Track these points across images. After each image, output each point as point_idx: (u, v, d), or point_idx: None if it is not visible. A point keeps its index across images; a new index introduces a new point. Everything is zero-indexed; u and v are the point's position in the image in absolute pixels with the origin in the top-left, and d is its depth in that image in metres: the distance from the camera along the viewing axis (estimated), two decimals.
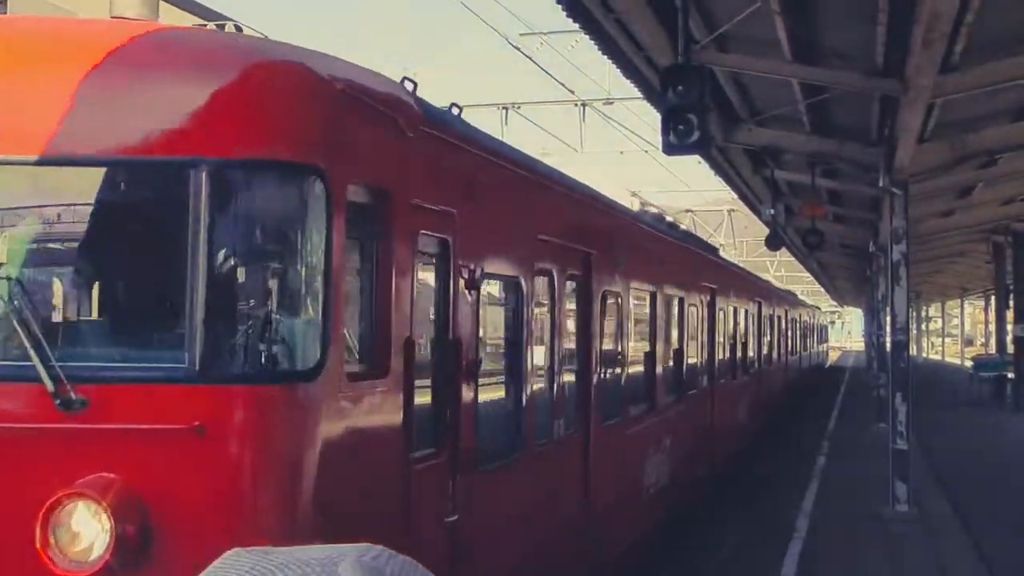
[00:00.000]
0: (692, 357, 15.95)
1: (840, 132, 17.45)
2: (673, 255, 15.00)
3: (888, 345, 18.58)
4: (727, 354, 19.89)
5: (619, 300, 11.13)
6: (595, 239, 10.05)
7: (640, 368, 12.93)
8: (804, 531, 14.26)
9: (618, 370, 11.29)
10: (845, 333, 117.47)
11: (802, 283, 74.57)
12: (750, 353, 23.56)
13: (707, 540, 14.48)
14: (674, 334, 14.74)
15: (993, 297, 42.27)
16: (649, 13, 11.80)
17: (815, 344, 55.28)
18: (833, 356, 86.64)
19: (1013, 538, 13.87)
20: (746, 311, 22.65)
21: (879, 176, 15.87)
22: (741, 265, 27.44)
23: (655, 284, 13.15)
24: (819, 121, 17.11)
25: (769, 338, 28.25)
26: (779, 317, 31.69)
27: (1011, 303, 33.99)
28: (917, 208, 19.26)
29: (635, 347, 12.57)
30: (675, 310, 14.78)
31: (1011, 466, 20.27)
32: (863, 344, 70.92)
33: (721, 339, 18.80)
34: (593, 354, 9.87)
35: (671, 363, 14.45)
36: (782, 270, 66.91)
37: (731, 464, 19.69)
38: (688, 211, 48.50)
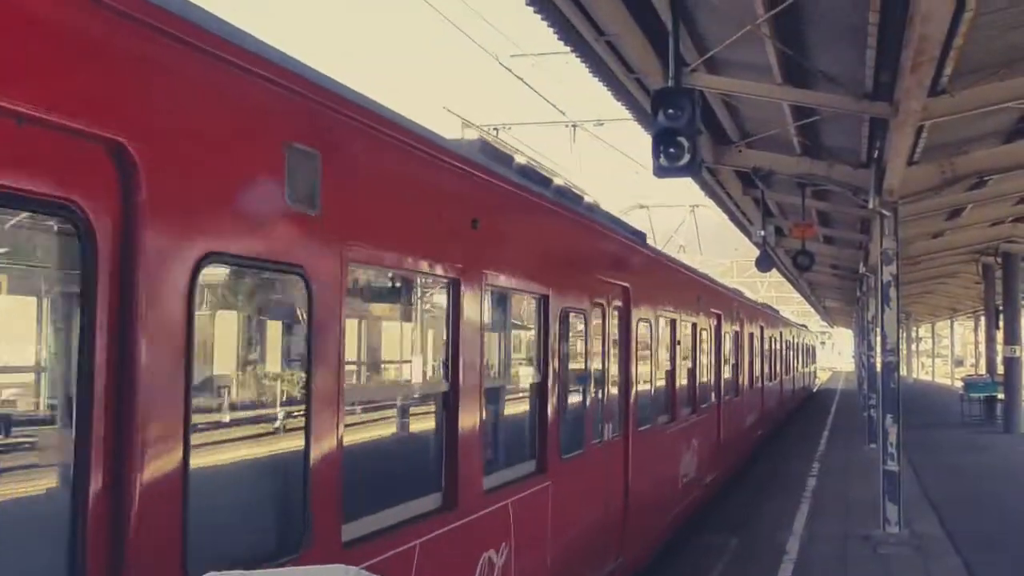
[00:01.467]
0: (577, 395, 9.99)
1: (830, 154, 17.52)
2: (524, 223, 8.58)
3: (878, 366, 18.60)
4: (660, 386, 14.28)
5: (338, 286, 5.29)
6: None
7: (428, 425, 7.15)
8: (795, 553, 14.24)
9: (348, 432, 5.45)
10: (836, 353, 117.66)
11: (792, 303, 74.68)
12: (703, 379, 17.77)
13: (698, 563, 14.43)
14: (530, 360, 9.02)
15: (983, 318, 42.35)
16: (640, 36, 11.87)
17: (801, 366, 48.71)
18: (823, 377, 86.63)
19: (1003, 559, 13.88)
20: (695, 326, 16.78)
21: (869, 197, 15.93)
22: (692, 266, 20.37)
23: (469, 268, 6.97)
24: (809, 143, 17.19)
25: (737, 362, 22.56)
26: (752, 335, 25.63)
27: (1000, 324, 34.09)
28: (907, 229, 19.35)
29: (410, 384, 7.22)
30: (531, 318, 8.94)
31: (1002, 487, 20.29)
32: (853, 365, 70.93)
33: (647, 365, 13.21)
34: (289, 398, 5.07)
35: (523, 410, 8.98)
36: (772, 291, 67.00)
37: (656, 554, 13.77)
38: (642, 206, 39.44)
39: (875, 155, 15.71)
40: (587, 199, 11.51)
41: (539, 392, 8.82)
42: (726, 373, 20.62)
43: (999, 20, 10.94)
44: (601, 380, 11.00)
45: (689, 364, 16.46)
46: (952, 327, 73.63)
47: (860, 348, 45.01)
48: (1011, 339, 32.18)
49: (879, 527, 15.29)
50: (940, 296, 50.12)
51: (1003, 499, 18.79)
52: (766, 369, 29.50)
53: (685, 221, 42.36)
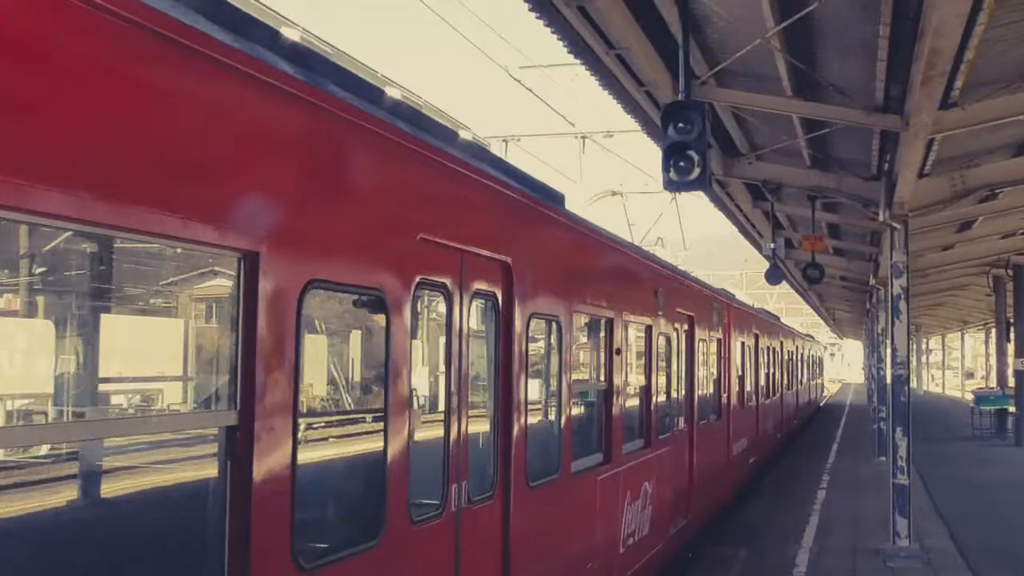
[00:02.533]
0: (370, 442, 5.99)
1: (840, 166, 17.50)
2: (163, 93, 4.05)
3: (888, 379, 18.53)
4: (581, 414, 10.32)
5: None
6: None
7: None
8: (805, 566, 14.18)
9: None
10: (845, 365, 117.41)
11: (801, 315, 74.57)
12: (665, 401, 13.56)
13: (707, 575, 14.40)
14: (210, 376, 5.33)
15: (993, 330, 42.22)
16: (650, 49, 11.86)
17: (806, 379, 43.72)
18: (832, 389, 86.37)
19: (1015, 573, 13.82)
20: (649, 330, 12.58)
21: (879, 210, 15.90)
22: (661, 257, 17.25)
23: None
24: (819, 155, 17.17)
25: (720, 376, 18.59)
26: (744, 345, 21.83)
27: (1011, 336, 33.97)
28: (917, 242, 19.30)
29: None
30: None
31: (1013, 501, 20.19)
32: (863, 376, 70.74)
33: (552, 384, 9.00)
34: None
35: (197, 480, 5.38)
36: (781, 302, 66.91)
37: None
38: (615, 193, 31.44)
39: (885, 167, 15.69)
40: (465, 136, 7.40)
41: (233, 445, 4.47)
42: (703, 391, 16.53)
43: (1010, 33, 10.92)
44: (439, 413, 6.71)
45: (639, 381, 12.30)
46: (963, 339, 73.45)
47: (870, 360, 44.85)
48: (1022, 351, 32.07)
49: (889, 540, 15.22)
50: (950, 308, 49.96)
51: (1014, 512, 18.70)
52: (762, 384, 25.27)
53: (664, 214, 33.34)
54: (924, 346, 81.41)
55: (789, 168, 17.81)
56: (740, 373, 21.08)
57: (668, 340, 13.73)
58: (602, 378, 10.64)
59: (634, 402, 12.09)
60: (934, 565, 14.42)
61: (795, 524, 17.43)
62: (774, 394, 28.70)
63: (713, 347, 17.72)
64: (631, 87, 13.21)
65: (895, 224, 15.43)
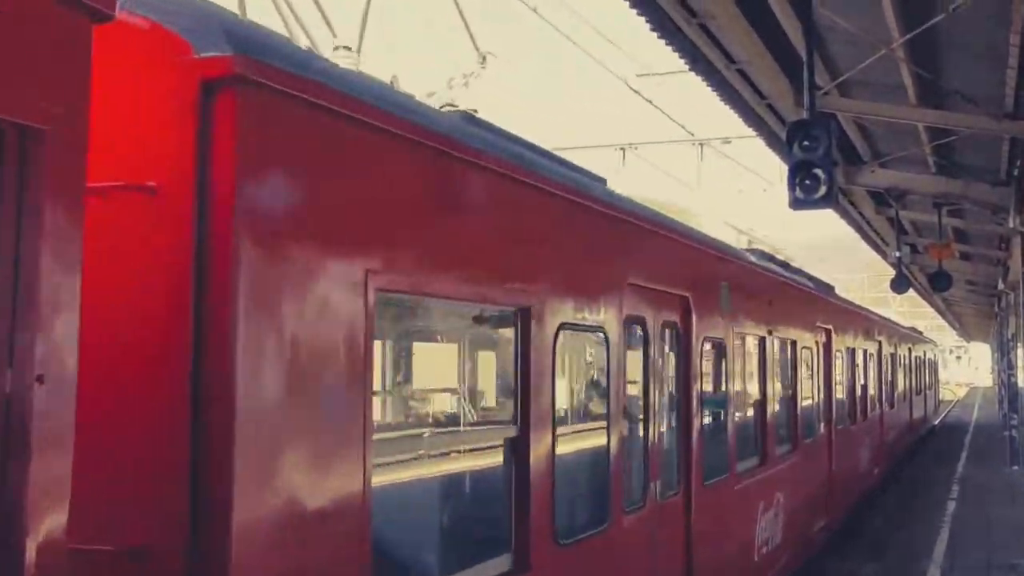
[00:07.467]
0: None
1: (967, 172, 17.12)
2: None
3: (1020, 383, 18.00)
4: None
5: None
6: None
7: None
8: None
9: None
10: (972, 368, 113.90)
11: (926, 318, 72.66)
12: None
13: None
14: None
15: None
16: (771, 62, 11.85)
17: (908, 394, 29.60)
18: (959, 393, 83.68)
19: None
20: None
21: (1009, 216, 15.53)
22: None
23: None
24: (944, 161, 16.83)
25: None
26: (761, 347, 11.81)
27: None
28: None
29: None
30: None
31: None
32: (991, 380, 68.48)
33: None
34: None
35: None
36: (904, 305, 65.26)
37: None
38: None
39: (1015, 173, 15.32)
40: None
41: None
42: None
43: None
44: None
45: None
46: None
47: (1000, 365, 43.42)
48: None
49: None
50: None
51: None
52: (778, 426, 12.57)
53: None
54: None
55: (913, 175, 17.50)
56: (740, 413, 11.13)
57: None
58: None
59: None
60: None
61: (924, 537, 17.08)
62: (816, 434, 15.17)
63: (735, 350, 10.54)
64: (752, 100, 13.19)
65: None
